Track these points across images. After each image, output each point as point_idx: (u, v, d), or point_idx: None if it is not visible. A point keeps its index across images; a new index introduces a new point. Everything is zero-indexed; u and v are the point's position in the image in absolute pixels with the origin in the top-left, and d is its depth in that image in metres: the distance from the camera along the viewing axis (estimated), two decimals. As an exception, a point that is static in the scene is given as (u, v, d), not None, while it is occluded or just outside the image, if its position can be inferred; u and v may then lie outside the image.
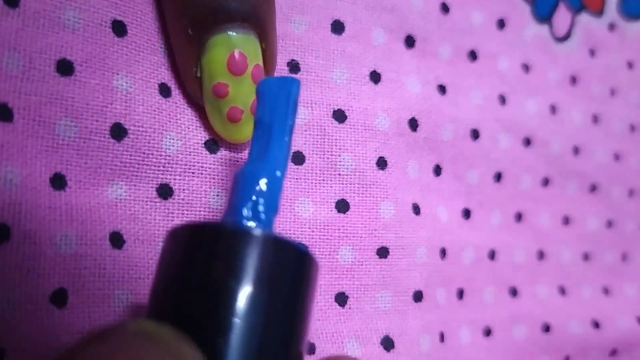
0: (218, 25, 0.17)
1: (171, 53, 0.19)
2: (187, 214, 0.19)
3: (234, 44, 0.17)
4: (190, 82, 0.18)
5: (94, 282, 0.17)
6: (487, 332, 0.25)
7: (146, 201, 0.18)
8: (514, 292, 0.27)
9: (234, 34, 0.17)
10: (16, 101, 0.16)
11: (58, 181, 0.17)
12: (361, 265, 0.21)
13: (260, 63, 0.18)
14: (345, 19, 0.22)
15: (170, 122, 0.19)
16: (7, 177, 0.16)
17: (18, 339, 0.16)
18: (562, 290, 0.28)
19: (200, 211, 0.19)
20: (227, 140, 0.19)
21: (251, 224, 0.13)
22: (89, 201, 0.17)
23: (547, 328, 0.27)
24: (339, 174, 0.21)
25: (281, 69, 0.21)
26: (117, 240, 0.17)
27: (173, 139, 0.19)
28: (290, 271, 0.13)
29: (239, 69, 0.18)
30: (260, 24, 0.18)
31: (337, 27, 0.22)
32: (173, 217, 0.19)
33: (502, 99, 0.26)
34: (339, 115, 0.21)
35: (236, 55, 0.17)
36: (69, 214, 0.17)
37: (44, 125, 0.16)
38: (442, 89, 0.24)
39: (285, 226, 0.20)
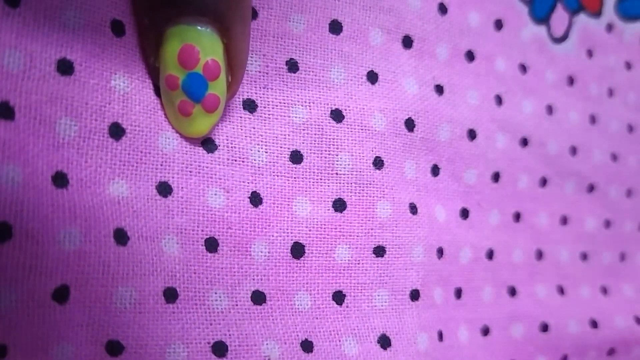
0: (174, 18, 0.17)
1: None
2: (186, 212, 0.19)
3: (187, 37, 0.17)
4: (150, 72, 0.19)
5: (98, 278, 0.17)
6: (485, 331, 0.26)
7: (147, 199, 0.18)
8: (512, 291, 0.27)
9: (189, 26, 0.17)
10: (17, 99, 0.16)
11: (60, 179, 0.17)
12: (358, 264, 0.21)
13: (217, 58, 0.18)
14: (343, 19, 0.22)
15: (166, 121, 0.19)
16: (9, 175, 0.16)
17: (20, 335, 0.16)
18: (561, 290, 0.28)
19: (199, 209, 0.19)
20: (182, 134, 0.19)
21: None
22: (92, 199, 0.17)
23: (545, 327, 0.27)
24: (337, 174, 0.21)
25: (280, 68, 0.21)
26: (121, 236, 0.18)
27: (169, 138, 0.19)
28: None
29: (189, 62, 0.17)
30: (219, 19, 0.17)
31: (335, 27, 0.22)
32: (173, 214, 0.19)
33: (499, 100, 0.26)
34: (337, 115, 0.22)
35: (187, 48, 0.17)
36: (72, 212, 0.17)
37: (44, 124, 0.17)
38: (439, 89, 0.24)
39: (282, 225, 0.20)
